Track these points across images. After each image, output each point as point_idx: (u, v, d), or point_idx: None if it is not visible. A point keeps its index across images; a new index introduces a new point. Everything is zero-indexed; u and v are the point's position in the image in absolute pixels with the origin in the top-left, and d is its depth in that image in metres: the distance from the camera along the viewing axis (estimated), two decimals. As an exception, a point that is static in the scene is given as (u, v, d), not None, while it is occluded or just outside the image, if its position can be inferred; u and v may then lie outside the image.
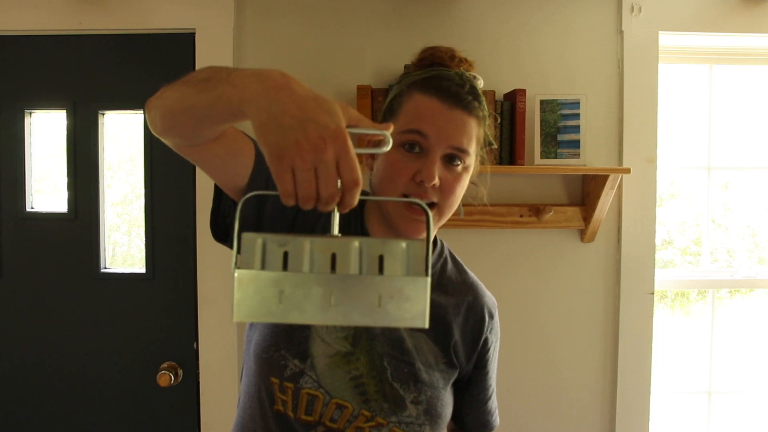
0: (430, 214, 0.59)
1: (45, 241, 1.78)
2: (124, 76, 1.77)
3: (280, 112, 0.55)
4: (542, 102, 1.70)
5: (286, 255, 0.55)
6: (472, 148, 0.88)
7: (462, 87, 0.88)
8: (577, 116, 1.70)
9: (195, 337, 1.77)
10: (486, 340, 0.99)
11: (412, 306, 0.55)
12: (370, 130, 0.59)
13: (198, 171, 1.75)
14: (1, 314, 1.78)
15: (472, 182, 0.96)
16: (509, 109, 1.70)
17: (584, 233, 1.81)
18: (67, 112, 1.77)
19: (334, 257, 0.55)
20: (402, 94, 0.90)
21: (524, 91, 1.68)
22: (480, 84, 0.92)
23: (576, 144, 1.70)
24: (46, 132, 1.83)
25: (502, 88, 1.75)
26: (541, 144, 1.70)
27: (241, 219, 0.58)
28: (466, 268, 1.02)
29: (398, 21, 1.79)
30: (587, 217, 1.78)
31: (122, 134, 1.87)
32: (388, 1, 1.79)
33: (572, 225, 1.80)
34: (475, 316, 0.98)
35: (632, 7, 1.79)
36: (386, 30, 1.78)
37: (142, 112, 1.78)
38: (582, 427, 1.85)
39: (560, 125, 1.70)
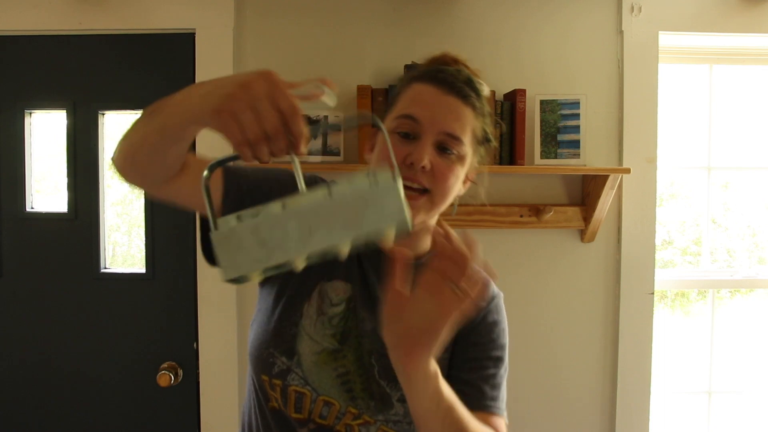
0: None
1: (45, 241, 1.78)
2: (124, 76, 1.77)
3: (212, 88, 0.61)
4: (542, 102, 1.70)
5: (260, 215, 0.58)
6: (467, 138, 0.88)
7: (458, 77, 0.89)
8: (577, 116, 1.70)
9: (195, 337, 1.77)
10: (486, 315, 0.95)
11: (388, 204, 0.56)
12: (304, 87, 0.61)
13: (198, 171, 1.75)
14: (1, 314, 1.79)
15: (471, 181, 0.96)
16: (509, 109, 1.70)
17: (584, 233, 1.81)
18: (67, 112, 1.77)
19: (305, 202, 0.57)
20: (402, 86, 0.92)
21: (524, 91, 1.69)
22: (485, 90, 0.92)
23: (576, 144, 1.70)
24: (46, 132, 1.83)
25: (502, 88, 1.75)
26: (541, 144, 1.70)
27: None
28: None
29: (398, 21, 1.79)
30: (587, 217, 1.78)
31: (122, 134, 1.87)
32: (388, 1, 1.79)
33: (572, 225, 1.80)
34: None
35: (632, 7, 1.79)
36: (386, 30, 1.78)
37: (142, 112, 1.78)
38: (582, 427, 1.85)
39: (560, 125, 1.70)
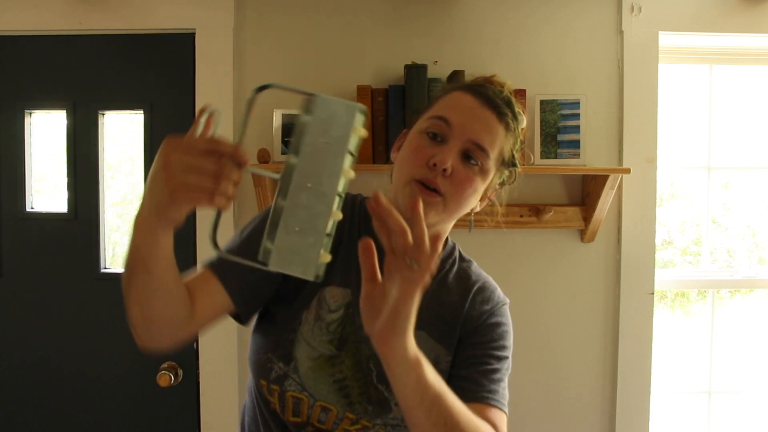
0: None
1: (45, 241, 1.78)
2: (124, 76, 1.77)
3: (147, 192, 0.64)
4: (542, 102, 1.70)
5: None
6: (494, 153, 0.88)
7: (499, 95, 0.89)
8: (577, 116, 1.70)
9: (195, 337, 1.77)
10: (487, 319, 0.95)
11: (345, 112, 0.60)
12: (201, 119, 0.66)
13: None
14: (1, 314, 1.78)
15: (489, 198, 0.96)
16: (509, 109, 1.70)
17: (584, 233, 1.81)
18: (67, 112, 1.77)
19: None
20: (443, 93, 0.93)
21: (524, 91, 1.69)
22: (522, 118, 0.93)
23: (576, 144, 1.70)
24: (46, 132, 1.83)
25: (502, 88, 1.75)
26: (541, 144, 1.70)
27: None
28: (476, 266, 1.01)
29: (398, 21, 1.79)
30: (587, 217, 1.78)
31: (122, 134, 1.87)
32: (389, 1, 1.79)
33: (572, 225, 1.80)
34: (479, 304, 0.95)
35: (632, 7, 1.79)
36: (386, 30, 1.78)
37: (142, 112, 1.78)
38: (582, 427, 1.85)
39: (560, 125, 1.70)
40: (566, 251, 1.83)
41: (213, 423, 1.78)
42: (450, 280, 0.96)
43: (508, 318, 0.98)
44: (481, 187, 0.89)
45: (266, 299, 0.91)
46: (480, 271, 1.00)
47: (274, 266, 0.59)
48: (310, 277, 0.60)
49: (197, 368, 1.78)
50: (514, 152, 0.93)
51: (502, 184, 0.95)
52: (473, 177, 0.87)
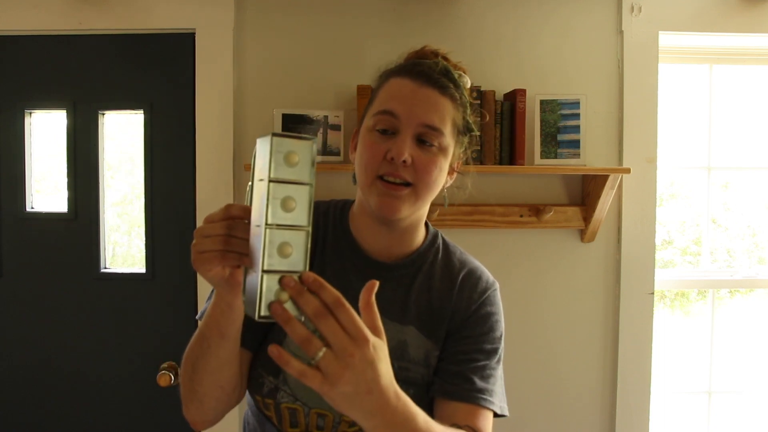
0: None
1: (45, 241, 1.78)
2: (124, 76, 1.77)
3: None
4: (542, 102, 1.70)
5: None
6: (447, 129, 0.86)
7: (435, 69, 0.88)
8: (577, 116, 1.70)
9: (195, 337, 1.77)
10: (477, 308, 0.93)
11: (262, 145, 0.62)
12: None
13: (198, 171, 1.75)
14: (1, 314, 1.78)
15: (457, 171, 0.95)
16: (509, 109, 1.70)
17: (584, 233, 1.81)
18: (67, 112, 1.77)
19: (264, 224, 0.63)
20: (380, 83, 0.91)
21: (524, 91, 1.68)
22: (465, 80, 0.92)
23: (576, 144, 1.70)
24: (46, 132, 1.83)
25: (502, 88, 1.75)
26: (541, 144, 1.70)
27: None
28: (462, 252, 0.99)
29: (398, 20, 1.79)
30: (587, 217, 1.78)
31: (122, 134, 1.87)
32: (389, 1, 1.79)
33: (572, 225, 1.80)
34: (468, 290, 0.94)
35: (632, 7, 1.79)
36: (386, 30, 1.78)
37: (142, 112, 1.78)
38: (582, 427, 1.85)
39: (560, 125, 1.70)
40: (566, 251, 1.83)
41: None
42: (436, 270, 0.95)
43: (497, 305, 0.96)
44: (445, 164, 0.88)
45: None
46: (465, 256, 0.99)
47: (246, 309, 0.65)
48: (253, 316, 0.61)
49: (197, 368, 1.78)
50: (467, 118, 0.91)
51: (464, 151, 0.95)
52: (434, 158, 0.86)
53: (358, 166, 0.88)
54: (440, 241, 0.99)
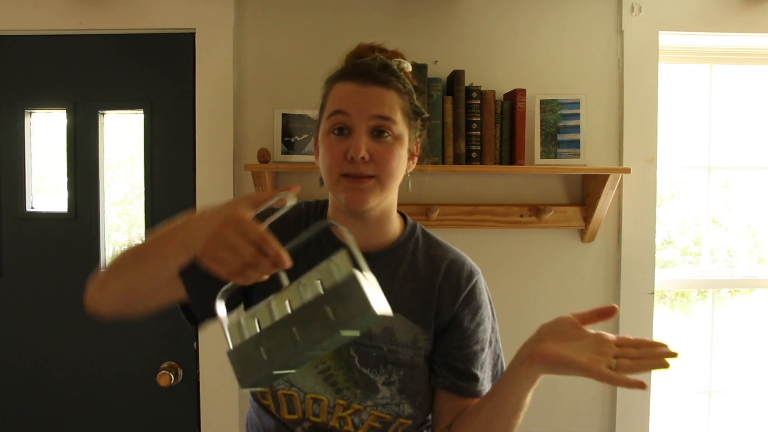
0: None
1: (45, 241, 1.78)
2: (124, 76, 1.77)
3: (187, 237, 0.73)
4: (542, 102, 1.70)
5: (258, 321, 0.67)
6: (398, 117, 0.90)
7: (373, 66, 0.92)
8: (577, 116, 1.70)
9: (195, 337, 1.77)
10: (467, 297, 0.97)
11: (355, 301, 0.62)
12: (272, 200, 0.72)
13: (198, 171, 1.75)
14: (1, 314, 1.78)
15: (417, 155, 0.98)
16: (509, 109, 1.70)
17: (584, 233, 1.81)
18: (67, 112, 1.77)
19: (290, 302, 0.66)
20: (327, 91, 0.95)
21: (524, 91, 1.68)
22: (405, 67, 0.96)
23: (576, 144, 1.70)
24: (46, 132, 1.83)
25: (502, 88, 1.75)
26: (541, 144, 1.70)
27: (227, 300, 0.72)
28: (442, 241, 1.03)
29: (398, 21, 1.79)
30: (587, 217, 1.78)
31: (122, 134, 1.87)
32: (389, 1, 1.78)
33: (572, 225, 1.80)
34: (455, 277, 0.97)
35: (632, 7, 1.79)
36: (386, 30, 1.78)
37: (142, 112, 1.78)
38: (582, 427, 1.85)
39: (560, 125, 1.70)
40: (566, 251, 1.83)
41: (213, 423, 1.78)
42: (419, 259, 0.98)
43: (484, 292, 1.00)
44: (402, 151, 0.91)
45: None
46: (446, 244, 1.02)
47: (230, 356, 0.68)
48: (241, 387, 0.67)
49: (197, 368, 1.78)
50: (414, 103, 0.95)
51: (420, 135, 0.98)
52: (391, 148, 0.89)
53: (323, 169, 0.92)
54: (419, 231, 1.02)
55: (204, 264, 0.68)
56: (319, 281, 0.65)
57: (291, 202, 0.73)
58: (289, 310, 0.65)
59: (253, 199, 0.71)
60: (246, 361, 0.66)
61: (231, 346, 0.68)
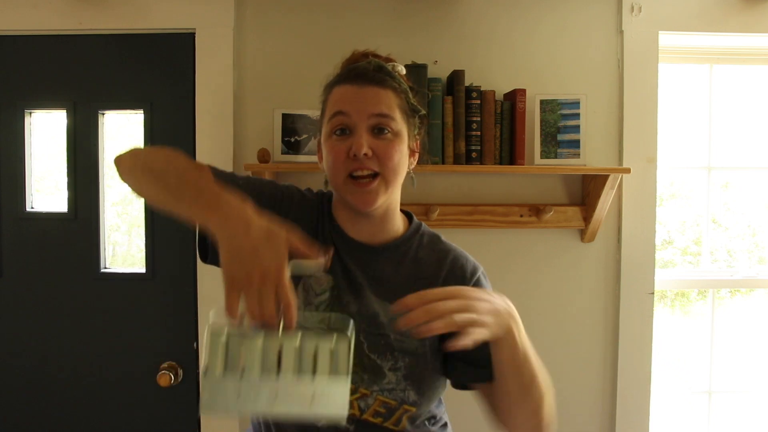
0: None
1: (45, 241, 1.78)
2: (124, 76, 1.77)
3: (237, 247, 0.70)
4: (542, 102, 1.70)
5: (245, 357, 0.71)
6: (396, 114, 0.94)
7: (369, 69, 0.96)
8: (577, 116, 1.70)
9: (195, 337, 1.77)
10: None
11: (335, 401, 0.70)
12: (309, 268, 0.75)
13: (198, 171, 1.75)
14: (1, 314, 1.78)
15: (416, 152, 1.02)
16: (509, 109, 1.70)
17: (584, 233, 1.81)
18: (67, 112, 1.77)
19: (280, 356, 0.71)
20: (325, 96, 0.99)
21: (524, 91, 1.69)
22: (398, 69, 1.00)
23: (576, 144, 1.70)
24: (46, 132, 1.83)
25: (502, 88, 1.75)
26: (541, 144, 1.70)
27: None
28: (446, 241, 1.05)
29: (398, 21, 1.79)
30: (587, 217, 1.78)
31: (122, 134, 1.87)
32: (389, 1, 1.78)
33: (572, 225, 1.80)
34: (459, 270, 1.00)
35: (632, 7, 1.79)
36: (386, 30, 1.78)
37: (142, 112, 1.78)
38: (582, 427, 1.85)
39: (560, 125, 1.70)
40: (566, 251, 1.83)
41: (213, 423, 1.78)
42: (423, 254, 1.01)
43: (489, 286, 1.04)
44: (403, 147, 0.95)
45: None
46: (450, 244, 1.05)
47: (203, 381, 0.71)
48: (201, 410, 0.70)
49: (197, 368, 1.78)
50: (410, 101, 0.98)
51: (418, 133, 1.01)
52: (392, 144, 0.93)
53: (328, 170, 0.96)
54: (424, 229, 1.05)
55: (224, 282, 0.69)
56: (313, 355, 0.72)
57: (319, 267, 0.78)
58: (276, 372, 0.70)
59: (294, 247, 0.73)
60: (219, 391, 0.69)
61: (208, 367, 0.71)
